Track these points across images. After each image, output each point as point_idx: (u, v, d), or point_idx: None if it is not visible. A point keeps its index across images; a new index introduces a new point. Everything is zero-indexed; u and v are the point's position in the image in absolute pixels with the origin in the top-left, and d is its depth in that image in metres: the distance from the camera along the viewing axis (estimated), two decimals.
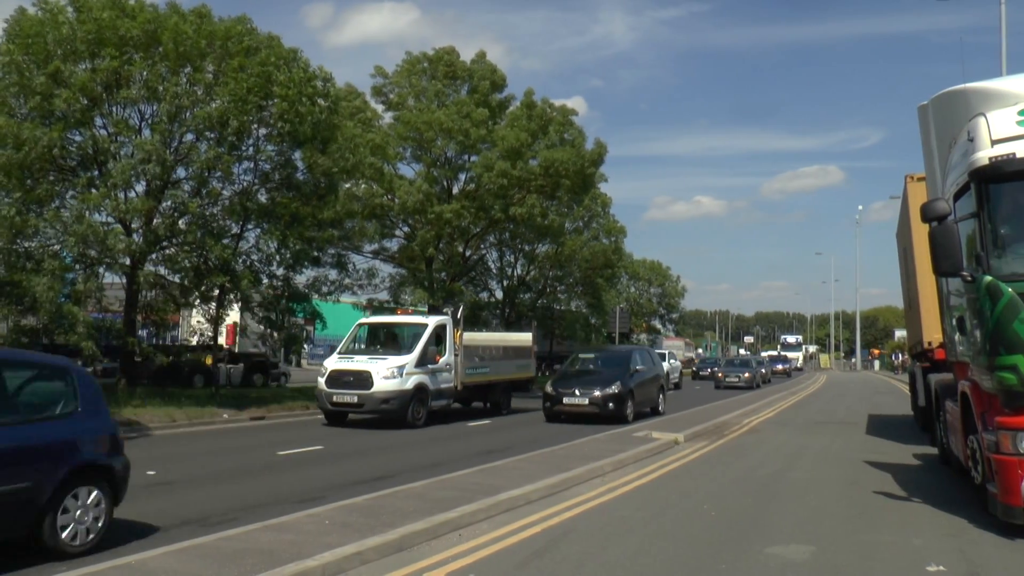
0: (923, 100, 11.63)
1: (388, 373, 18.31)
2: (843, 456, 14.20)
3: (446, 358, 20.05)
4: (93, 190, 18.73)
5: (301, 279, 23.50)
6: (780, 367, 65.49)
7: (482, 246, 36.93)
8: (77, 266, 19.77)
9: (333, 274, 25.07)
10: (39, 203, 18.79)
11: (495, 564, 6.89)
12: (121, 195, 19.36)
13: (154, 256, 20.69)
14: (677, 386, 38.48)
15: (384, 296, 34.53)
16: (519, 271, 41.07)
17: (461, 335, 20.85)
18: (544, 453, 13.07)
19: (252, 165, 21.61)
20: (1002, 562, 7.06)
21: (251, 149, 21.28)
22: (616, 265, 43.84)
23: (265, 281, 22.18)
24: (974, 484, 9.10)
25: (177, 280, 21.10)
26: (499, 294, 41.15)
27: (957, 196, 9.06)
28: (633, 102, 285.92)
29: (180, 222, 20.35)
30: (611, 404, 19.66)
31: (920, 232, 13.16)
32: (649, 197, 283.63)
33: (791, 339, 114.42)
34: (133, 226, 19.66)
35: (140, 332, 22.42)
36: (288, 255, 21.47)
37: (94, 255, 19.41)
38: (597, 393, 19.88)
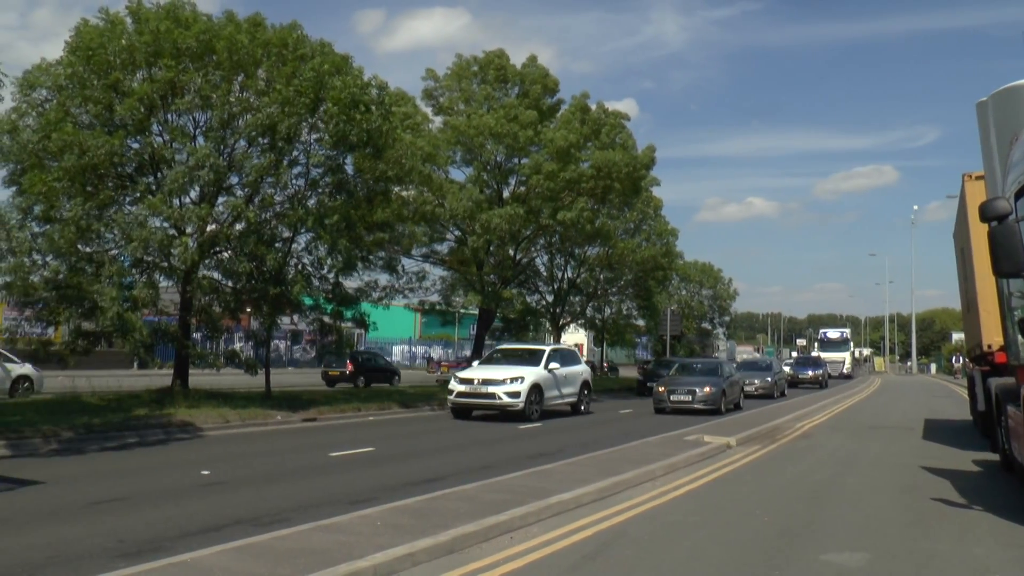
0: (982, 96, 11.41)
1: None
2: (899, 461, 13.93)
3: None
4: (150, 196, 19.08)
5: (351, 283, 23.73)
6: (810, 373, 48.40)
7: (532, 249, 36.97)
8: (134, 271, 20.16)
9: (383, 278, 25.29)
10: (99, 208, 19.24)
11: (546, 567, 6.88)
12: (176, 201, 19.70)
13: (208, 261, 21.02)
14: (577, 409, 23.73)
15: (435, 298, 34.73)
16: (569, 274, 41.04)
17: None
18: (595, 456, 13.01)
19: (304, 170, 21.86)
20: None
21: (302, 155, 21.52)
22: (667, 267, 43.54)
23: (316, 284, 22.41)
24: None
25: (230, 286, 21.39)
26: (549, 297, 41.15)
27: (1018, 195, 8.84)
28: (684, 103, 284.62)
29: (235, 227, 20.63)
30: None
31: (979, 232, 12.87)
32: (700, 199, 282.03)
33: (833, 334, 78.55)
34: (188, 232, 19.99)
35: (194, 335, 22.79)
36: (340, 259, 21.68)
37: (151, 260, 19.78)
38: None
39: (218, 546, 6.86)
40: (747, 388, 31.57)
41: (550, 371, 22.41)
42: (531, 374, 21.57)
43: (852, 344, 79.88)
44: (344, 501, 9.59)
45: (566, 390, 23.34)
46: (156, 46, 19.12)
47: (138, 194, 19.74)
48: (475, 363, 25.02)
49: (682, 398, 24.60)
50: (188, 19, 19.85)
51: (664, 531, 8.26)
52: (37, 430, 14.48)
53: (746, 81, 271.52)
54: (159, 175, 19.90)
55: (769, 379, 35.06)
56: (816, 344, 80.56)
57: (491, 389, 21.12)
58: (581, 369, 24.86)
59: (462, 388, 21.65)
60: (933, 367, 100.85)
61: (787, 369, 50.60)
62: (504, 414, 21.25)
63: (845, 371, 68.31)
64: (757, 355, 75.52)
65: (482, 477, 10.83)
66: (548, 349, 23.76)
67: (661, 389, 25.42)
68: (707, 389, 24.64)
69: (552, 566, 6.90)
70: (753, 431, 17.42)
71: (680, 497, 10.27)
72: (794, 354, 79.12)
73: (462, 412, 21.98)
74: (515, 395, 20.92)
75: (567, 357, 24.29)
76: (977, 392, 17.17)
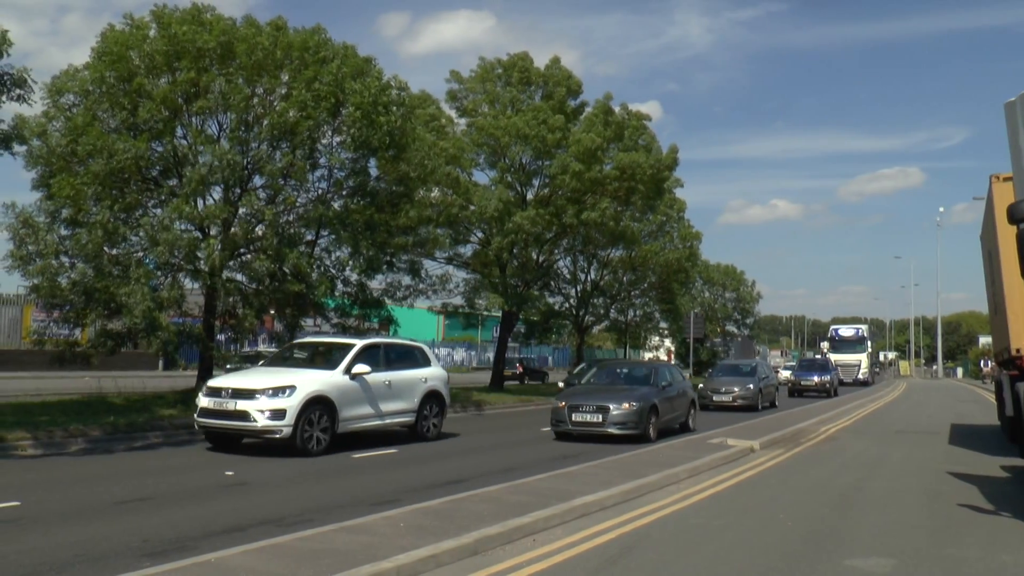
0: (1011, 96, 11.27)
1: None
2: (925, 466, 13.81)
3: None
4: (174, 199, 19.23)
5: (375, 285, 23.78)
6: (815, 379, 40.46)
7: (555, 251, 36.95)
8: (159, 273, 20.32)
9: (407, 280, 25.33)
10: (126, 211, 19.42)
11: (569, 570, 6.88)
12: (200, 203, 19.86)
13: (232, 263, 21.15)
14: (419, 432, 16.48)
15: (458, 301, 34.76)
16: (592, 276, 40.99)
17: None
18: (618, 459, 13.00)
19: (327, 173, 21.96)
20: None
21: (324, 158, 21.61)
22: (690, 270, 43.37)
23: (340, 287, 22.48)
24: None
25: (254, 287, 21.50)
26: (573, 300, 41.11)
27: None
28: (708, 105, 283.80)
29: (257, 229, 20.76)
30: None
31: (1007, 234, 12.75)
32: (724, 201, 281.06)
33: (846, 331, 64.99)
34: (212, 233, 20.13)
35: (218, 337, 22.89)
36: (362, 261, 21.74)
37: (176, 262, 19.93)
38: None
39: (242, 546, 6.91)
40: (722, 398, 27.68)
41: (355, 377, 14.99)
42: (312, 382, 14.23)
43: (871, 344, 66.57)
44: (367, 502, 9.62)
45: (391, 406, 15.89)
46: (177, 48, 19.28)
47: (163, 197, 19.90)
48: (259, 364, 17.96)
49: (588, 418, 17.10)
50: (211, 22, 19.99)
51: (687, 535, 8.23)
52: (65, 430, 14.62)
53: (770, 82, 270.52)
54: (182, 178, 20.06)
55: (751, 386, 28.33)
56: (826, 344, 67.20)
57: (242, 405, 13.65)
58: (424, 374, 16.99)
59: (207, 403, 14.15)
60: (960, 371, 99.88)
61: (786, 373, 47.36)
62: (269, 444, 14.04)
63: (861, 376, 58.05)
64: (780, 358, 71.62)
65: (506, 479, 10.85)
66: (359, 344, 15.86)
67: (561, 405, 17.67)
68: (626, 406, 16.98)
69: (575, 569, 6.90)
70: (777, 435, 17.34)
71: (704, 500, 10.24)
72: (818, 357, 61.26)
73: (218, 438, 14.70)
74: (277, 414, 13.49)
75: (398, 356, 16.84)
76: (1005, 397, 16.98)
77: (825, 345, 65.59)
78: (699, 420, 21.05)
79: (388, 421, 15.98)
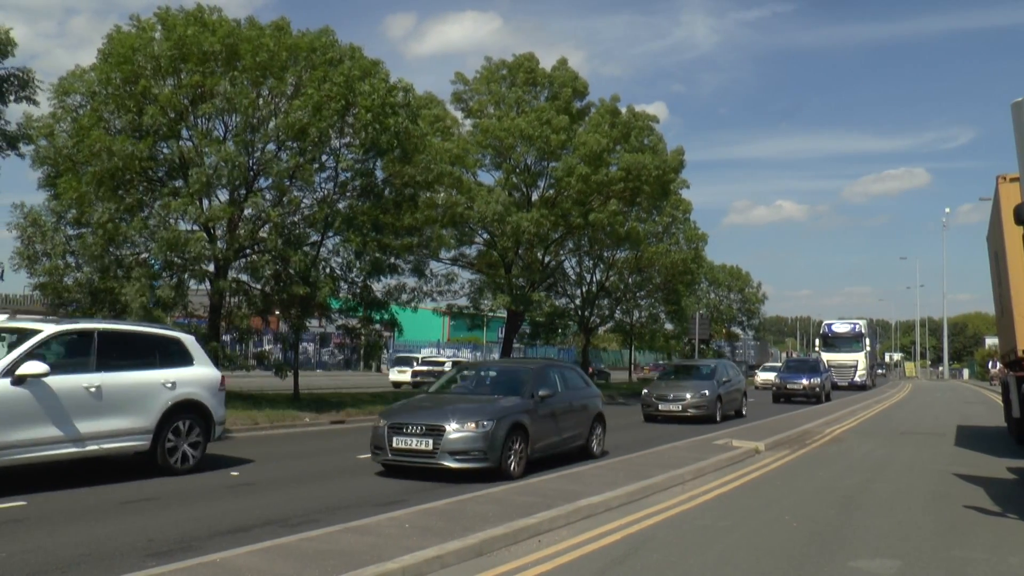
0: (1018, 97, 11.24)
1: None
2: (931, 468, 13.78)
3: None
4: (176, 199, 19.25)
5: (379, 286, 23.78)
6: (804, 382, 35.42)
7: (561, 252, 36.97)
8: (164, 273, 20.35)
9: (412, 282, 25.33)
10: (129, 212, 19.45)
11: (574, 571, 6.87)
12: (206, 203, 19.89)
13: (237, 264, 21.17)
14: (161, 462, 11.22)
15: (463, 302, 34.76)
16: (598, 277, 41.00)
17: None
18: (624, 460, 12.99)
19: (333, 174, 21.98)
20: None
21: (331, 159, 21.62)
22: (695, 271, 43.38)
23: (344, 287, 22.49)
24: None
25: (258, 288, 21.53)
26: (578, 301, 41.12)
27: None
28: (714, 106, 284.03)
29: (261, 230, 20.78)
30: None
31: (1013, 235, 12.73)
32: (729, 202, 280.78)
33: (841, 327, 56.49)
34: (217, 234, 20.16)
35: (224, 338, 22.91)
36: (367, 262, 21.75)
37: (179, 262, 19.94)
38: None
39: (247, 546, 6.91)
40: (669, 407, 22.93)
41: (22, 381, 9.72)
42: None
43: (870, 342, 57.93)
44: (372, 503, 9.62)
45: (101, 424, 10.53)
46: (182, 51, 19.30)
47: (166, 198, 19.94)
48: None
49: (414, 444, 11.44)
50: (214, 24, 20.01)
51: (693, 536, 8.22)
52: None
53: (776, 83, 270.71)
54: (188, 179, 20.09)
55: (707, 392, 23.26)
56: (818, 341, 58.62)
57: None
58: (171, 376, 11.52)
59: None
60: (966, 372, 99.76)
61: (770, 376, 45.02)
62: None
63: (858, 379, 51.64)
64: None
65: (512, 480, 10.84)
66: (45, 331, 10.38)
67: (380, 424, 11.98)
68: (471, 426, 11.37)
69: (581, 570, 6.89)
70: (782, 436, 17.31)
71: (709, 501, 10.22)
72: (810, 356, 55.83)
73: None
74: None
75: (128, 350, 11.31)
76: (1012, 398, 16.94)
77: (817, 343, 58.47)
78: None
79: (93, 447, 10.51)
